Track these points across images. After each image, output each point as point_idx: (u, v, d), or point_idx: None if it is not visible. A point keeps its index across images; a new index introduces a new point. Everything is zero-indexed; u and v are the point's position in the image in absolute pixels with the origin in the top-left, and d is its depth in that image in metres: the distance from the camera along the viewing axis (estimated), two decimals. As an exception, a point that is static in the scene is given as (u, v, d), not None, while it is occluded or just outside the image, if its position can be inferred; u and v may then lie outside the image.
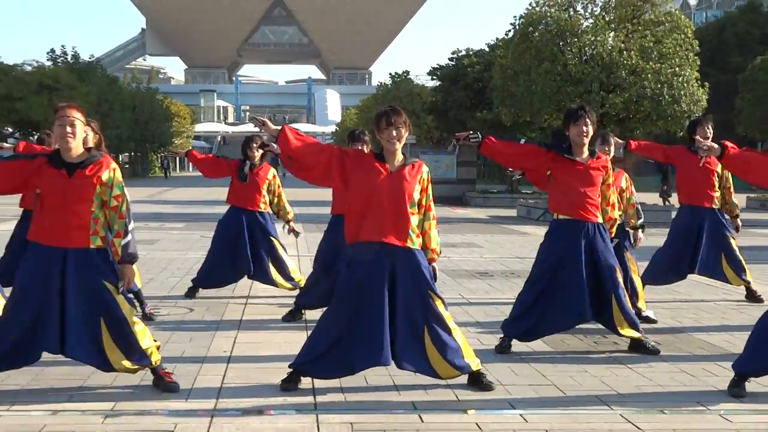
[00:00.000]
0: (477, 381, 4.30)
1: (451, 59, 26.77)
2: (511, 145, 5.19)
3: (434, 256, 4.29)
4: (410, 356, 4.13)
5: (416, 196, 4.16)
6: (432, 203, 4.35)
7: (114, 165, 4.15)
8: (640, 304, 6.43)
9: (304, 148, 4.21)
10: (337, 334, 4.13)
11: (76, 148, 3.99)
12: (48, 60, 34.86)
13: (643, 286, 6.57)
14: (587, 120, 4.94)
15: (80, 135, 4.03)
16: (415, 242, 4.16)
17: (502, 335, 5.22)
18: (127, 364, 4.08)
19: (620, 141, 6.80)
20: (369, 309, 4.08)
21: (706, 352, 5.58)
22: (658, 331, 6.19)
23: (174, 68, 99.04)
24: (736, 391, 4.26)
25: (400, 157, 4.21)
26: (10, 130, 31.38)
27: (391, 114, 4.12)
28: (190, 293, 7.17)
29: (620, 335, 5.23)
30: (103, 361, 4.06)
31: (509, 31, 21.13)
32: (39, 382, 4.35)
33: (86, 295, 3.97)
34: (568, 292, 5.00)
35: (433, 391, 4.34)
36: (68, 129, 3.92)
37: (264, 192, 6.92)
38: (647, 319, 6.40)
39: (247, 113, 74.69)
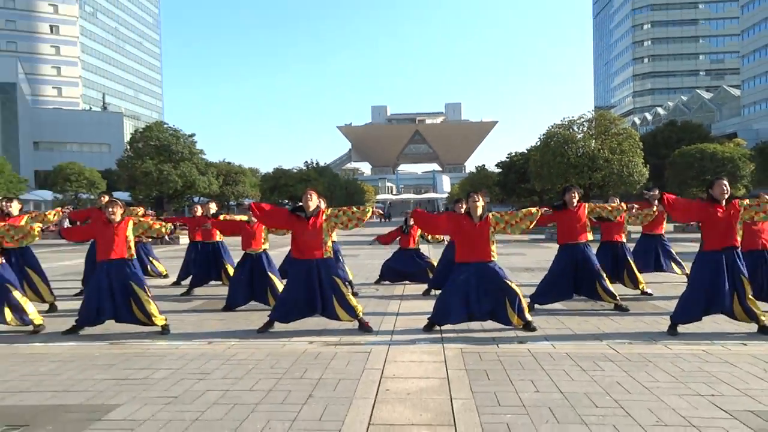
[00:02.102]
0: (527, 326, 6.84)
1: (507, 157, 43.16)
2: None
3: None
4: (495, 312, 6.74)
5: (491, 236, 6.77)
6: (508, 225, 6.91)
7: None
8: (641, 286, 8.95)
9: (432, 221, 7.03)
10: (454, 301, 6.68)
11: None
12: (304, 165, 51.18)
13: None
14: (574, 191, 7.76)
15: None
16: (494, 258, 6.78)
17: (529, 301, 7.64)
18: (345, 316, 6.88)
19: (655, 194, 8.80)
20: (470, 287, 6.64)
21: (659, 311, 7.88)
22: (636, 299, 8.70)
23: (365, 167, 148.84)
24: (672, 332, 6.60)
25: (479, 212, 6.80)
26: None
27: (473, 194, 6.75)
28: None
29: (602, 301, 7.87)
30: (336, 315, 6.75)
31: (537, 141, 32.72)
32: (303, 324, 7.16)
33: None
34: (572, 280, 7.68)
35: (503, 333, 6.81)
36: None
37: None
38: (646, 293, 8.93)
39: (402, 189, 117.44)
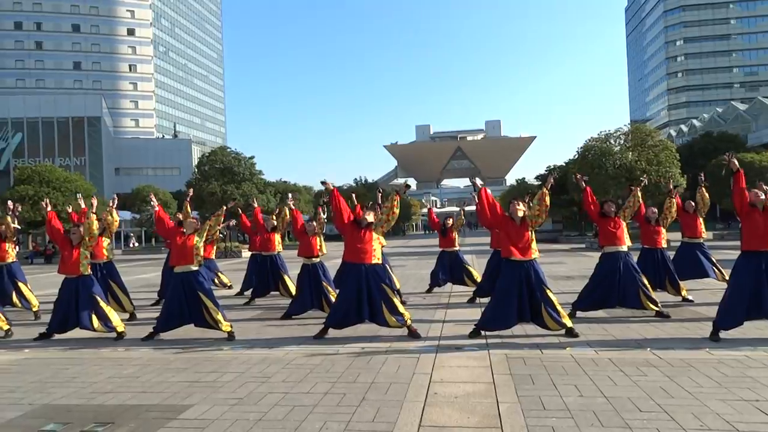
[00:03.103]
0: (570, 332, 6.64)
1: (546, 170, 40.98)
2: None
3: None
4: (535, 317, 6.56)
5: (531, 236, 6.67)
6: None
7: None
8: (683, 293, 8.59)
9: (494, 204, 6.74)
10: (504, 307, 6.50)
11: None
12: (353, 182, 53.92)
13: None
14: (612, 203, 7.55)
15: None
16: (535, 255, 6.66)
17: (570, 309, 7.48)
18: (394, 323, 6.86)
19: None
20: (518, 291, 6.46)
21: (700, 317, 7.52)
22: (677, 305, 8.32)
23: (411, 183, 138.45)
24: (714, 337, 6.28)
25: (520, 214, 6.71)
26: None
27: (514, 200, 6.68)
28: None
29: (645, 309, 7.46)
30: (385, 321, 6.77)
31: (575, 154, 32.46)
32: (356, 331, 7.24)
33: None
34: (614, 287, 7.37)
35: (546, 338, 6.66)
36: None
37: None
38: (687, 300, 8.54)
39: (446, 203, 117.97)
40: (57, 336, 7.50)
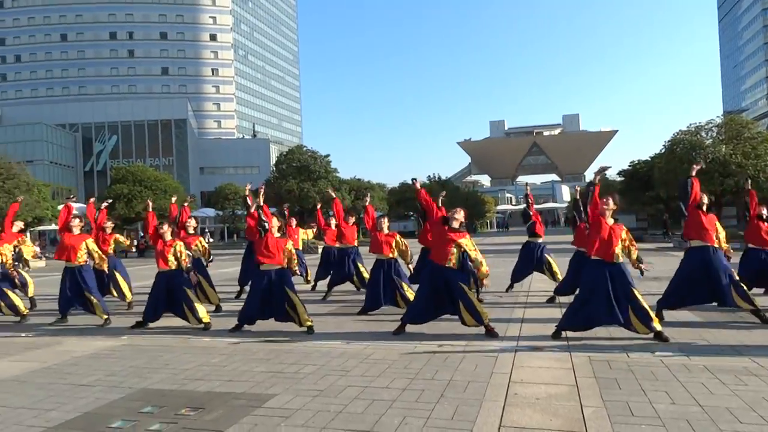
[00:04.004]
0: (659, 336, 6.30)
1: (629, 165, 39.17)
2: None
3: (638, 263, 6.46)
4: (624, 319, 6.25)
5: (623, 235, 6.39)
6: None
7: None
8: None
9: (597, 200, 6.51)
10: (588, 308, 6.25)
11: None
12: (427, 179, 53.23)
13: None
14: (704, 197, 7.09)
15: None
16: (620, 259, 6.37)
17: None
18: (472, 321, 6.79)
19: None
20: (602, 292, 6.24)
21: None
22: None
23: (485, 180, 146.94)
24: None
25: (609, 217, 6.44)
26: (412, 213, 49.20)
27: (606, 199, 6.39)
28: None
29: (739, 307, 6.92)
30: (462, 320, 6.71)
31: (662, 148, 30.87)
32: (434, 328, 7.22)
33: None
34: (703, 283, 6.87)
35: (633, 341, 6.30)
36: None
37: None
38: None
39: (521, 200, 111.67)
40: (151, 325, 8.01)
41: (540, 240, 10.50)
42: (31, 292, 10.58)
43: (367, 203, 9.62)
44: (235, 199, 45.23)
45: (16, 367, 5.93)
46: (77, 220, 8.61)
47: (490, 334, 6.73)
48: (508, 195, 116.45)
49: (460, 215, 6.85)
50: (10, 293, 9.00)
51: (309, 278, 12.83)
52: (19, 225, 9.90)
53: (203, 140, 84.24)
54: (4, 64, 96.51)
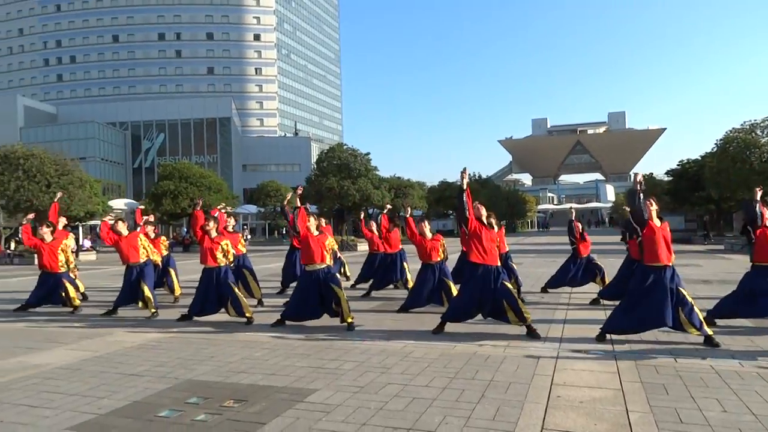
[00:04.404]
0: (709, 341, 6.07)
1: (678, 164, 38.61)
2: None
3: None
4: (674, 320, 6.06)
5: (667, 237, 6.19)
6: None
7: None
8: None
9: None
10: (636, 310, 6.05)
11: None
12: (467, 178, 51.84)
13: None
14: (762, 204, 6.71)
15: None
16: (672, 261, 6.18)
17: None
18: (514, 318, 6.63)
19: None
20: (655, 296, 6.03)
21: None
22: None
23: (526, 179, 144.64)
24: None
25: (654, 217, 6.24)
26: (451, 212, 50.81)
27: (648, 202, 6.16)
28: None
29: None
30: (507, 318, 6.58)
31: (713, 147, 29.96)
32: (497, 328, 7.25)
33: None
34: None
35: (681, 346, 6.07)
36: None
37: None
38: None
39: (563, 199, 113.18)
40: (196, 318, 8.23)
41: (583, 256, 10.28)
42: (81, 287, 11.03)
43: (408, 215, 9.20)
44: (277, 196, 45.97)
45: (70, 356, 6.20)
46: (120, 222, 8.90)
47: (532, 334, 6.63)
48: (549, 194, 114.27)
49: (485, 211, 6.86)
50: (68, 285, 9.41)
51: (347, 273, 12.93)
52: (62, 221, 10.30)
53: (246, 138, 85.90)
54: (60, 65, 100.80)
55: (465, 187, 6.55)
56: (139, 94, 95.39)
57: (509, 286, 6.69)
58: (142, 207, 11.10)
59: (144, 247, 8.95)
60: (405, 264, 10.51)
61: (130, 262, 8.81)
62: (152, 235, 10.35)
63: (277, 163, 79.09)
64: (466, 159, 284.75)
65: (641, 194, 6.21)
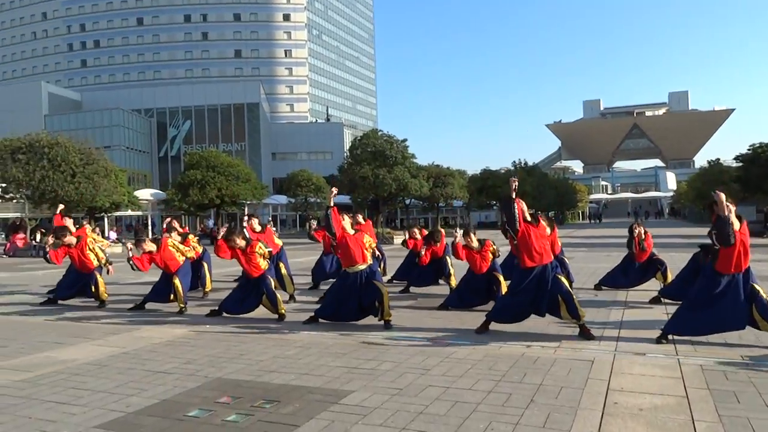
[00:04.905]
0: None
1: (749, 148, 36.87)
2: None
3: None
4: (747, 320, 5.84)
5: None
6: None
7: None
8: None
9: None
10: (702, 309, 5.93)
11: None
12: (512, 166, 54.69)
13: None
14: None
15: None
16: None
17: None
18: (567, 315, 6.50)
19: None
20: (728, 298, 5.83)
21: None
22: None
23: (577, 166, 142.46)
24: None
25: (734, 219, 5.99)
26: (494, 203, 50.27)
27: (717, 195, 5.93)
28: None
29: None
30: (559, 313, 6.49)
31: None
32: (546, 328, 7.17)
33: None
34: None
35: (754, 350, 5.84)
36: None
37: None
38: None
39: (618, 188, 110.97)
40: (225, 314, 8.38)
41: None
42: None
43: (458, 240, 8.61)
44: (308, 186, 46.34)
45: (97, 351, 6.40)
46: (140, 244, 9.01)
47: (585, 335, 6.52)
48: (603, 183, 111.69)
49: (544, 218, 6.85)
50: (99, 279, 9.73)
51: (385, 269, 12.96)
52: (68, 221, 10.57)
53: (276, 125, 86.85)
54: (84, 50, 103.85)
55: (515, 195, 6.60)
56: (165, 80, 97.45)
57: (562, 279, 6.59)
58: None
59: (179, 250, 9.16)
60: (448, 258, 10.41)
61: (172, 271, 9.01)
62: (179, 238, 10.57)
63: (308, 151, 79.71)
64: (512, 145, 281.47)
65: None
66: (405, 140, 42.66)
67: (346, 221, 7.54)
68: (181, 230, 10.82)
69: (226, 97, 77.43)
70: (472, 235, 8.55)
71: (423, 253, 9.78)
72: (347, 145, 59.57)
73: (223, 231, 8.47)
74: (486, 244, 8.47)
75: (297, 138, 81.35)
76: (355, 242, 7.37)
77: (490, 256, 8.48)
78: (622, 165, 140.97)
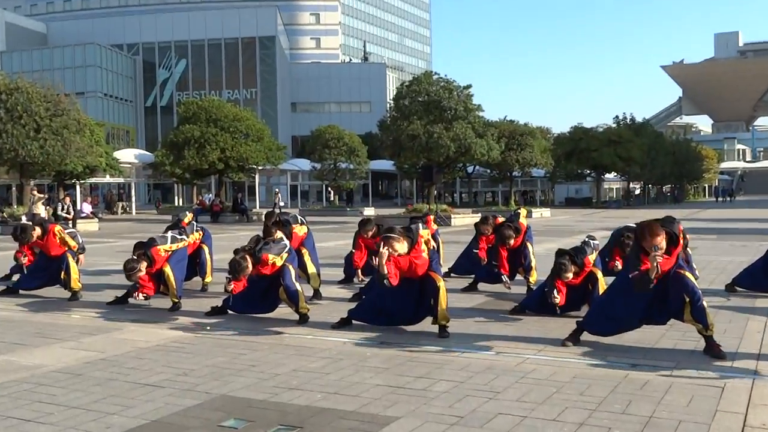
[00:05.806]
0: None
1: None
2: None
3: None
4: None
5: None
6: None
7: None
8: None
9: None
10: None
11: None
12: (613, 122, 54.92)
13: None
14: None
15: None
16: None
17: None
18: (690, 319, 6.38)
19: None
20: None
21: None
22: None
23: (703, 123, 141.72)
24: None
25: None
26: (589, 172, 52.45)
27: None
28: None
29: None
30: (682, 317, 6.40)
31: None
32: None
33: None
34: None
35: None
36: None
37: None
38: None
39: (761, 154, 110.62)
40: (231, 312, 8.54)
41: None
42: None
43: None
44: (338, 147, 46.31)
45: (69, 357, 6.62)
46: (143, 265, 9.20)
47: (713, 351, 6.42)
48: (739, 146, 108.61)
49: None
50: (71, 263, 10.04)
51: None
52: (38, 197, 10.92)
53: (297, 66, 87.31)
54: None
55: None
56: (153, 5, 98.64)
57: (685, 273, 6.49)
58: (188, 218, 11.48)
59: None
60: (529, 245, 10.28)
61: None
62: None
63: (339, 101, 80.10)
64: (614, 95, 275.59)
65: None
66: (469, 87, 42.08)
67: (396, 247, 7.14)
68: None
69: (231, 29, 78.02)
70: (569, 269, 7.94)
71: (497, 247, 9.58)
72: (391, 93, 59.40)
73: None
74: (584, 270, 8.20)
75: (325, 84, 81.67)
76: (414, 268, 7.30)
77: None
78: (766, 123, 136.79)
